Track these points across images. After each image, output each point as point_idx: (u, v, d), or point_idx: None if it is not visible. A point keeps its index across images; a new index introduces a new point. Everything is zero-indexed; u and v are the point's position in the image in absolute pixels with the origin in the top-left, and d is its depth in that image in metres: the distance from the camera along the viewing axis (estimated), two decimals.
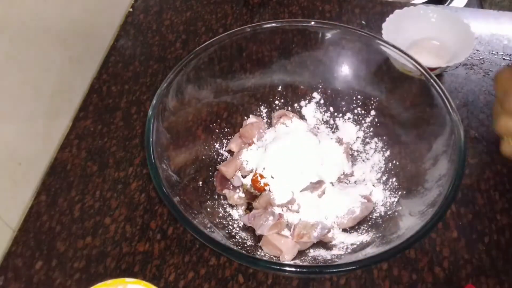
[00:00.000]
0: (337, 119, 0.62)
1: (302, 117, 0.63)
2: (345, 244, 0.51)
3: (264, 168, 0.54)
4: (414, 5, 0.71)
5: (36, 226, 0.56)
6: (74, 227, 0.56)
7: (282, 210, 0.53)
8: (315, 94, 0.63)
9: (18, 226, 0.56)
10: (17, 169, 0.56)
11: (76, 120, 0.66)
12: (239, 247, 0.50)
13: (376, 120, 0.60)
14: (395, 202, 0.53)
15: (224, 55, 0.58)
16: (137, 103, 0.68)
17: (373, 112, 0.60)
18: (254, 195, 0.55)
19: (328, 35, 0.59)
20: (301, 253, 0.51)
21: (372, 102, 0.60)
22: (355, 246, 0.50)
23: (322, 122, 0.63)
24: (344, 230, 0.53)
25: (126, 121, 0.66)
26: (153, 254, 0.54)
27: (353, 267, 0.43)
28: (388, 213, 0.52)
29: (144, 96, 0.69)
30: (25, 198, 0.58)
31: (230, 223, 0.54)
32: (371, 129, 0.60)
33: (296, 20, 0.69)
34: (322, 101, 0.63)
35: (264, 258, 0.50)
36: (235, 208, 0.56)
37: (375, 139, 0.59)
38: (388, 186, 0.55)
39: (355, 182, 0.57)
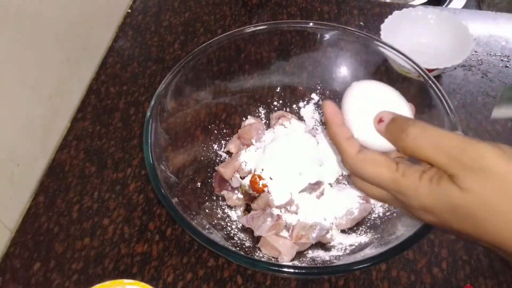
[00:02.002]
0: None
1: (300, 118, 0.63)
2: (343, 245, 0.51)
3: (262, 169, 0.54)
4: (413, 6, 0.71)
5: (34, 227, 0.56)
6: (72, 228, 0.56)
7: (281, 211, 0.53)
8: (313, 95, 0.63)
9: (16, 227, 0.56)
10: (15, 170, 0.56)
11: (74, 121, 0.66)
12: (238, 248, 0.50)
13: None
14: None
15: (222, 56, 0.58)
16: (136, 104, 0.68)
17: None
18: (253, 196, 0.55)
19: (327, 36, 0.59)
20: (299, 254, 0.51)
21: None
22: (354, 247, 0.50)
23: (321, 123, 0.63)
24: (343, 231, 0.53)
25: (125, 122, 0.66)
26: (151, 255, 0.54)
27: (352, 268, 0.43)
28: (387, 214, 0.52)
29: (142, 97, 0.69)
30: (23, 199, 0.58)
31: (229, 224, 0.54)
32: None
33: (294, 21, 0.69)
34: (320, 102, 0.63)
35: (262, 259, 0.50)
36: (233, 209, 0.56)
37: None
38: None
39: None
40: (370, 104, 0.37)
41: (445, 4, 0.93)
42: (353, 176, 0.37)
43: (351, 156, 0.35)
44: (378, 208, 0.54)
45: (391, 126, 0.34)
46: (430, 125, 0.32)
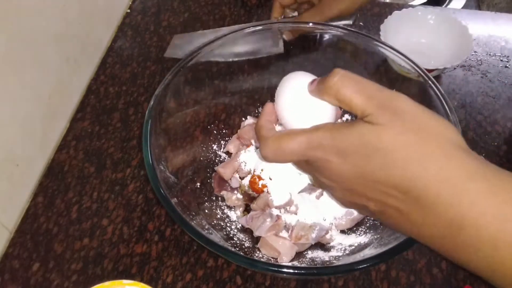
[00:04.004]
0: None
1: None
2: (343, 246, 0.51)
3: (262, 170, 0.54)
4: (412, 6, 0.71)
5: (33, 228, 0.56)
6: (72, 228, 0.56)
7: (280, 212, 0.53)
8: None
9: (15, 227, 0.56)
10: (14, 170, 0.56)
11: (73, 121, 0.66)
12: (237, 249, 0.50)
13: None
14: None
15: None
16: (135, 104, 0.68)
17: None
18: (252, 196, 0.55)
19: (326, 36, 0.59)
20: (299, 255, 0.51)
21: None
22: (353, 247, 0.50)
23: None
24: (342, 231, 0.53)
25: (124, 122, 0.66)
26: (150, 256, 0.54)
27: (351, 269, 0.43)
28: None
29: (141, 97, 0.69)
30: (22, 199, 0.58)
31: (228, 224, 0.54)
32: None
33: (294, 21, 0.69)
34: None
35: (262, 259, 0.50)
36: (233, 209, 0.56)
37: None
38: None
39: None
40: (298, 98, 0.39)
41: (445, 4, 0.93)
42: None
43: (269, 138, 0.37)
44: None
45: (320, 81, 0.36)
46: (351, 73, 0.35)
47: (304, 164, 0.38)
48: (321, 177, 0.37)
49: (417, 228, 0.33)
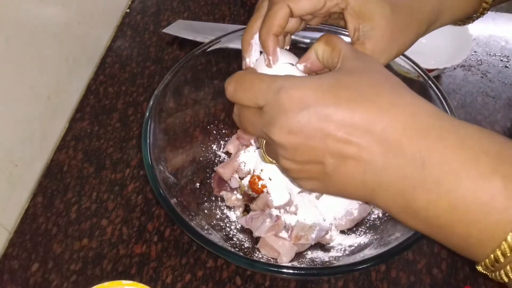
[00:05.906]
0: None
1: None
2: (343, 246, 0.51)
3: (261, 170, 0.54)
4: None
5: (32, 228, 0.56)
6: (71, 229, 0.56)
7: (280, 212, 0.53)
8: None
9: (14, 228, 0.56)
10: (13, 171, 0.56)
11: (72, 121, 0.66)
12: (237, 249, 0.50)
13: None
14: None
15: (221, 56, 0.58)
16: (134, 104, 0.68)
17: None
18: (252, 197, 0.54)
19: None
20: (299, 255, 0.51)
21: None
22: (353, 248, 0.50)
23: None
24: (342, 231, 0.53)
25: (123, 122, 0.66)
26: (150, 256, 0.54)
27: (351, 269, 0.42)
28: (386, 214, 0.52)
29: (141, 97, 0.69)
30: (21, 199, 0.58)
31: (228, 225, 0.53)
32: None
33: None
34: None
35: (261, 260, 0.50)
36: (232, 209, 0.56)
37: None
38: None
39: None
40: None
41: None
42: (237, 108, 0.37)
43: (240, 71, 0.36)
44: (378, 209, 0.54)
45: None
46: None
47: (258, 114, 0.33)
48: (276, 129, 0.32)
49: (375, 177, 0.30)
